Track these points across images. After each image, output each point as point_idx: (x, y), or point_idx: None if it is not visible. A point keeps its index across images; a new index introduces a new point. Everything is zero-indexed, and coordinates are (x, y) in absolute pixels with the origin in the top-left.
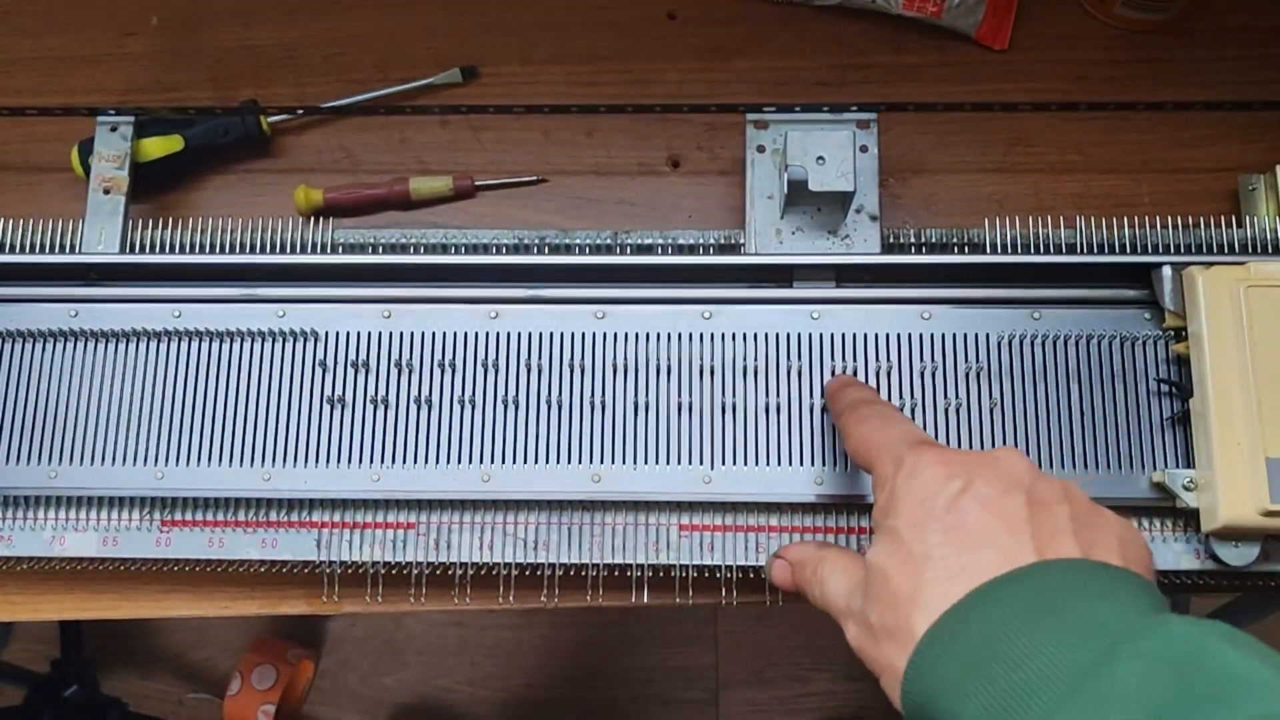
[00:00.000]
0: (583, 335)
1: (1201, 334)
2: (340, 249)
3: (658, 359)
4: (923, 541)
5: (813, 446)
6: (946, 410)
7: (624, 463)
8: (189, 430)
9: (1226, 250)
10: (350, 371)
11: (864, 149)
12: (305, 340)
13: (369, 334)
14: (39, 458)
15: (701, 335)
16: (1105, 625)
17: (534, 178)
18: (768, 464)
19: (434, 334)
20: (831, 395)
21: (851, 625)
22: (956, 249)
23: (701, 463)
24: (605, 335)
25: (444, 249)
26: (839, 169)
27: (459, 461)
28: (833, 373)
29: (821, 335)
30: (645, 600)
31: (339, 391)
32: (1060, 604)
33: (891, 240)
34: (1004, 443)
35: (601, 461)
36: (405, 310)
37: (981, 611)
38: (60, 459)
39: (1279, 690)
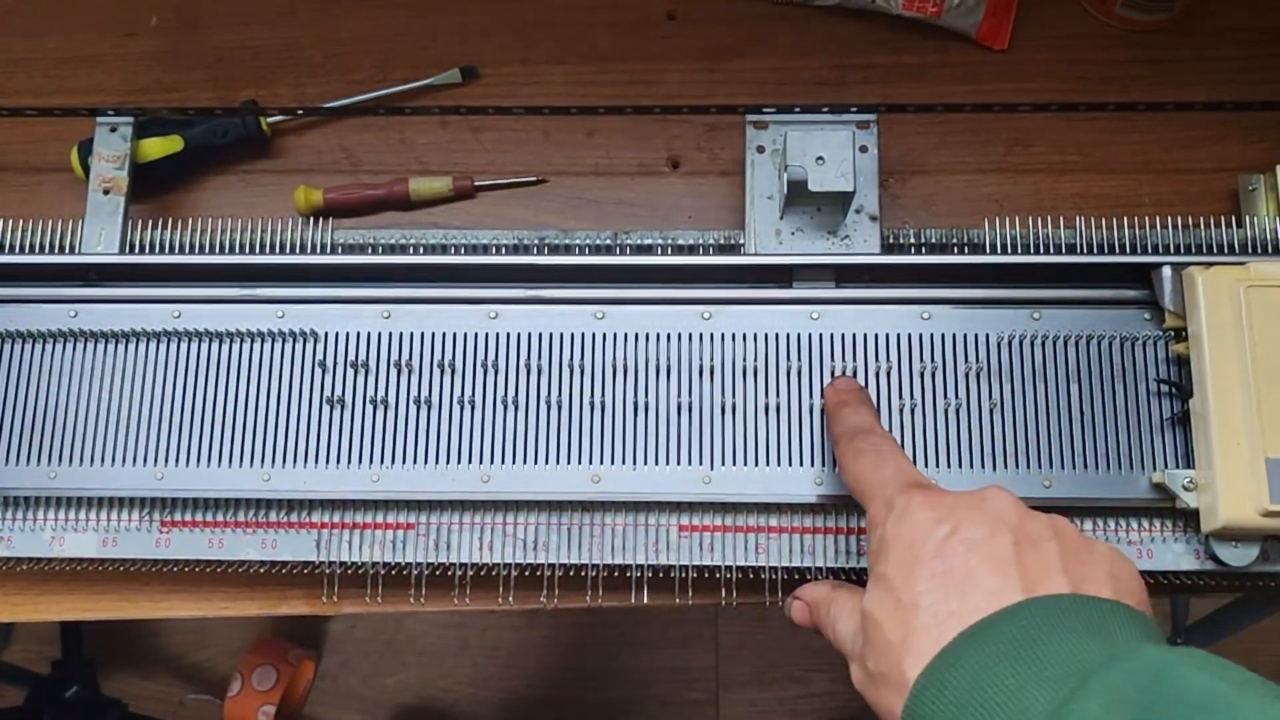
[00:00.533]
0: (582, 335)
1: (1201, 334)
2: (340, 249)
3: (657, 359)
4: (911, 589)
5: (813, 446)
6: (946, 411)
7: (624, 463)
8: (189, 431)
9: (1226, 250)
10: (350, 372)
11: (864, 149)
12: (305, 340)
13: (369, 334)
14: (39, 458)
15: (701, 335)
16: (1084, 660)
17: (534, 178)
18: (767, 464)
19: (434, 334)
20: (830, 413)
21: (855, 669)
22: (956, 249)
23: (701, 463)
24: (605, 335)
25: (444, 249)
26: (839, 169)
27: (459, 462)
28: (832, 374)
29: (821, 335)
30: (645, 601)
31: (339, 392)
32: (1044, 642)
33: (891, 240)
34: (1004, 444)
35: (601, 462)
36: (405, 311)
37: (968, 654)
38: (60, 459)
39: (1239, 711)
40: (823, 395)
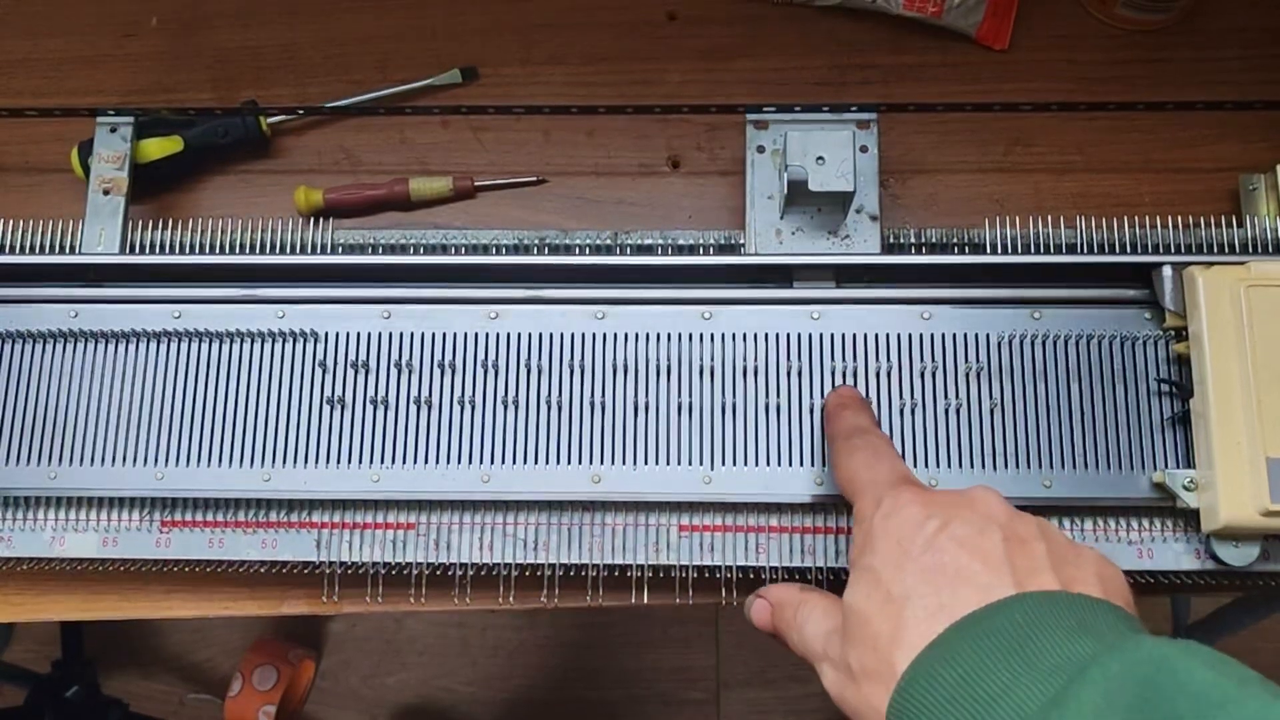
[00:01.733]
0: (583, 336)
1: (1202, 334)
2: (340, 249)
3: (658, 359)
4: (901, 582)
5: (812, 447)
6: (946, 410)
7: (624, 463)
8: (189, 431)
9: (1227, 250)
10: (350, 372)
11: (864, 149)
12: (305, 341)
13: (369, 334)
14: (39, 458)
15: (701, 335)
16: (1077, 655)
17: (534, 178)
18: (767, 464)
19: (434, 334)
20: (829, 414)
21: (829, 670)
22: (957, 249)
23: (701, 463)
24: (605, 336)
25: (444, 249)
26: (839, 169)
27: (459, 462)
28: (832, 374)
29: (821, 335)
30: (645, 600)
31: (339, 392)
32: (1036, 636)
33: (891, 240)
34: (1004, 444)
35: (601, 462)
36: (405, 311)
37: (960, 647)
38: (60, 460)
39: (1242, 705)
40: (823, 399)
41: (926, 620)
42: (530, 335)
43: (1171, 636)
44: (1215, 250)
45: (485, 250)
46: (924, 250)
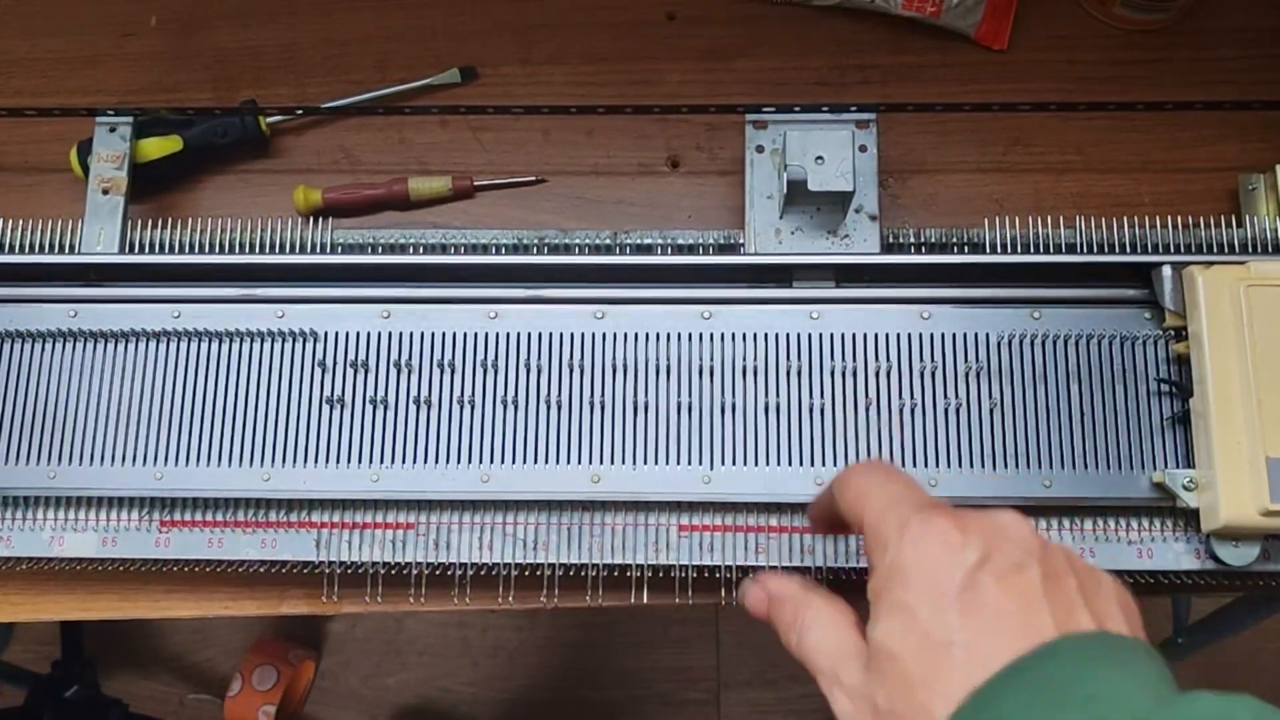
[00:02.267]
0: (582, 335)
1: (1201, 334)
2: (339, 249)
3: (657, 359)
4: (941, 623)
5: (812, 447)
6: (946, 410)
7: (624, 463)
8: (188, 430)
9: (1226, 250)
10: (350, 371)
11: (863, 149)
12: (304, 340)
13: (368, 334)
14: (38, 458)
15: (701, 335)
16: (1125, 704)
17: (533, 178)
18: (767, 464)
19: (433, 334)
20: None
21: (843, 699)
22: (956, 249)
23: (701, 463)
24: (605, 335)
25: (443, 249)
26: (838, 169)
27: (458, 462)
28: (833, 377)
29: (821, 335)
30: (645, 600)
31: (338, 391)
32: (1081, 684)
33: (891, 240)
34: (1004, 444)
35: (601, 462)
36: (404, 310)
37: (1005, 697)
38: (59, 459)
39: None
40: (822, 400)
41: (966, 665)
42: (530, 335)
43: (1174, 639)
44: (1215, 250)
45: (484, 250)
46: (923, 250)
